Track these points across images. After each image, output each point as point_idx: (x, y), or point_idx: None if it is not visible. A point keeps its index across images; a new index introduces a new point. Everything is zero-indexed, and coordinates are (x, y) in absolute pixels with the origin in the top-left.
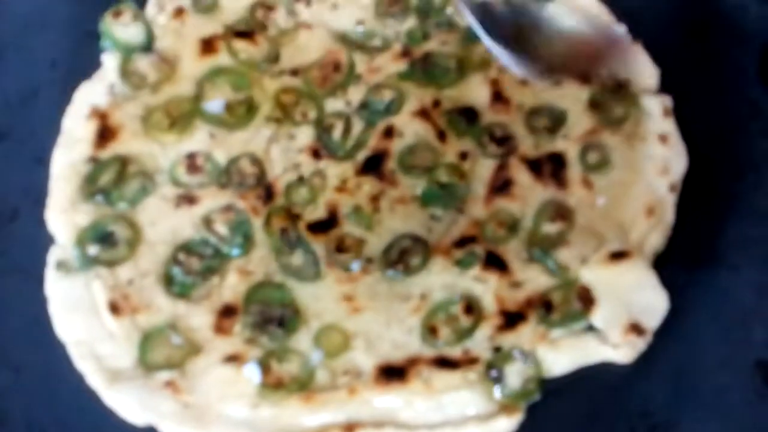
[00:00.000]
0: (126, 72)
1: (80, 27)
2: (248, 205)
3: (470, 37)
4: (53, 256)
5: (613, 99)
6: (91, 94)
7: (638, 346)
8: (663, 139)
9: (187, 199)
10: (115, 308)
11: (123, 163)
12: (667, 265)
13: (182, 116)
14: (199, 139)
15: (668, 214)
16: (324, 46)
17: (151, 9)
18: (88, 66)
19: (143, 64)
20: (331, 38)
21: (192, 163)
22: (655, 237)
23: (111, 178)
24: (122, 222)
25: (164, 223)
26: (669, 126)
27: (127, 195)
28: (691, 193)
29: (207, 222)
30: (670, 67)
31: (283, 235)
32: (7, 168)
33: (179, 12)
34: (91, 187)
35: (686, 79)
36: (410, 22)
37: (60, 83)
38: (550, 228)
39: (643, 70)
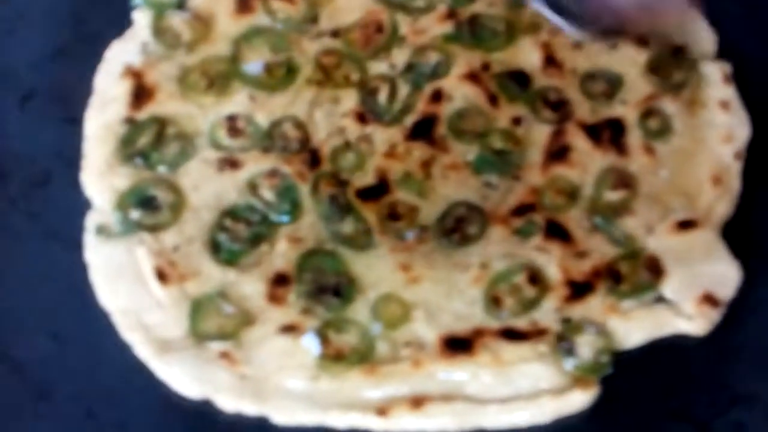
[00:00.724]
0: (159, 30)
1: None
2: (294, 170)
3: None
4: (92, 220)
5: (671, 64)
6: (123, 53)
7: (713, 318)
8: (724, 105)
9: (230, 163)
10: (162, 276)
11: (161, 124)
12: (735, 234)
13: (220, 77)
14: (238, 101)
15: (734, 182)
16: (364, 7)
17: None
18: (118, 24)
19: (177, 22)
20: None
21: (233, 125)
22: (722, 206)
23: (149, 140)
24: (164, 186)
25: (207, 188)
26: (730, 93)
27: (167, 158)
28: (755, 161)
29: (252, 187)
30: (728, 32)
31: (332, 201)
32: (37, 128)
33: None
34: (128, 149)
35: (744, 46)
36: None
37: (89, 41)
38: (613, 196)
39: (701, 35)
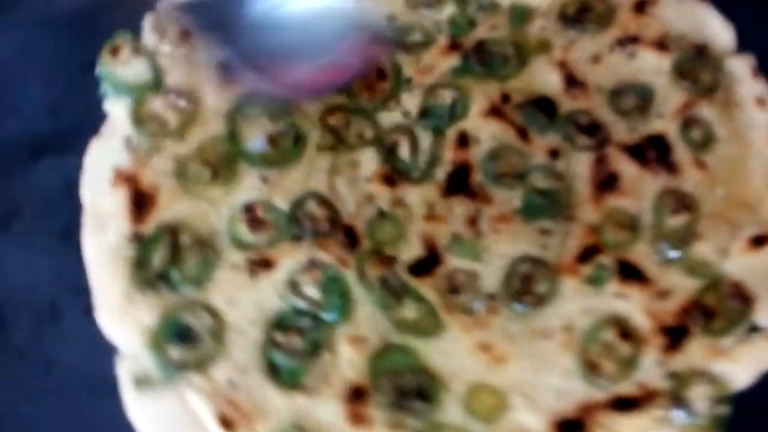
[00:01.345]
0: (141, 119)
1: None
2: (332, 256)
3: (519, 16)
4: (125, 370)
5: (697, 65)
6: (105, 154)
7: None
8: (761, 102)
9: (262, 264)
10: (227, 423)
11: (173, 233)
12: None
13: (223, 163)
14: (249, 186)
15: None
16: None
17: (149, 38)
18: (91, 116)
19: (158, 106)
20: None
21: (252, 217)
22: None
23: (165, 256)
24: (196, 309)
25: (245, 300)
26: (762, 87)
27: (190, 273)
28: None
29: (293, 287)
30: (744, 23)
31: (384, 284)
32: (28, 252)
33: (185, 35)
34: (144, 272)
35: (763, 35)
36: (449, 9)
37: (62, 138)
38: (675, 221)
39: (717, 30)
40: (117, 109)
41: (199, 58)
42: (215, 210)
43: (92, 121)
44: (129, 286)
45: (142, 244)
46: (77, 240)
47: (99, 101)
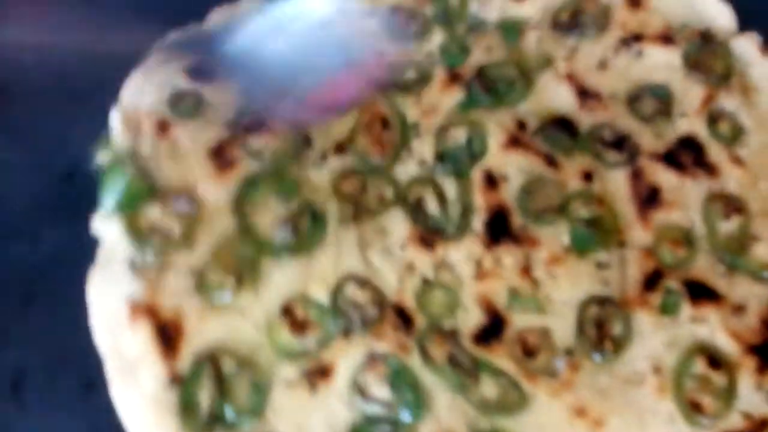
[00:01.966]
0: (140, 235)
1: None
2: (390, 345)
3: (511, 31)
4: None
5: (706, 53)
6: (110, 286)
7: None
8: None
9: (319, 373)
10: None
11: (213, 362)
12: None
13: (244, 263)
14: (280, 285)
15: None
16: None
17: (121, 138)
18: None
19: (156, 214)
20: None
21: (292, 319)
22: None
23: (212, 392)
24: None
25: (314, 421)
26: None
27: (244, 405)
28: None
29: (359, 390)
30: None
31: (454, 364)
32: (45, 417)
33: (163, 127)
34: (194, 419)
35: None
36: (437, 38)
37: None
38: (729, 226)
39: (715, 13)
40: (109, 231)
41: (187, 147)
42: (248, 320)
43: (81, 249)
44: None
45: (183, 385)
46: (102, 390)
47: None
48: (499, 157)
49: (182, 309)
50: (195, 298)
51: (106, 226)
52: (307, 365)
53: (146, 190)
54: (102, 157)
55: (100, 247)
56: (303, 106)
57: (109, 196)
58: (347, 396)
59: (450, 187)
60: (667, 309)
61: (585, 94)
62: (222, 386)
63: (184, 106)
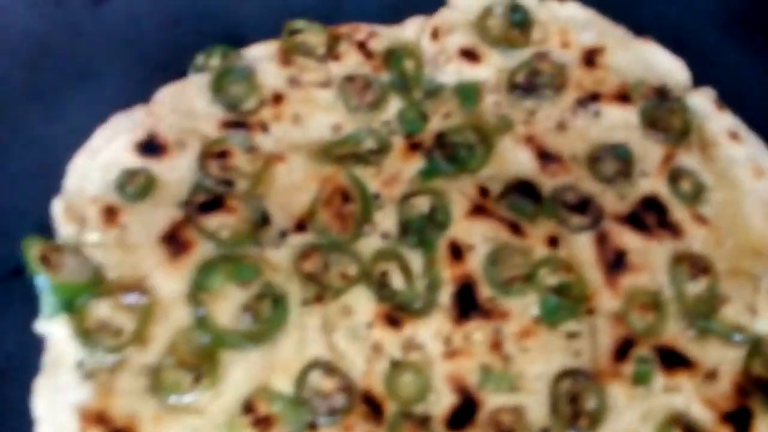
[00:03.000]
0: (89, 333)
1: None
2: None
3: (468, 96)
4: None
5: (663, 111)
6: (59, 395)
7: None
8: (733, 135)
9: None
10: None
11: None
12: None
13: (202, 357)
14: (239, 378)
15: None
16: (313, 176)
17: (66, 229)
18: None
19: (105, 310)
20: (314, 161)
21: (254, 416)
22: None
23: None
24: None
25: None
26: (730, 119)
27: None
28: None
29: None
30: (693, 55)
31: None
32: None
33: (110, 213)
34: None
35: (717, 61)
36: (394, 105)
37: None
38: (696, 287)
39: (669, 68)
40: (55, 330)
41: (137, 234)
42: (210, 421)
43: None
44: None
45: None
46: None
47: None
48: (463, 226)
49: (137, 413)
50: (150, 400)
51: (51, 328)
52: None
53: (90, 286)
54: (33, 255)
55: (46, 351)
56: None
57: (47, 297)
58: None
59: (415, 260)
60: (641, 379)
61: (545, 157)
62: None
63: (133, 187)
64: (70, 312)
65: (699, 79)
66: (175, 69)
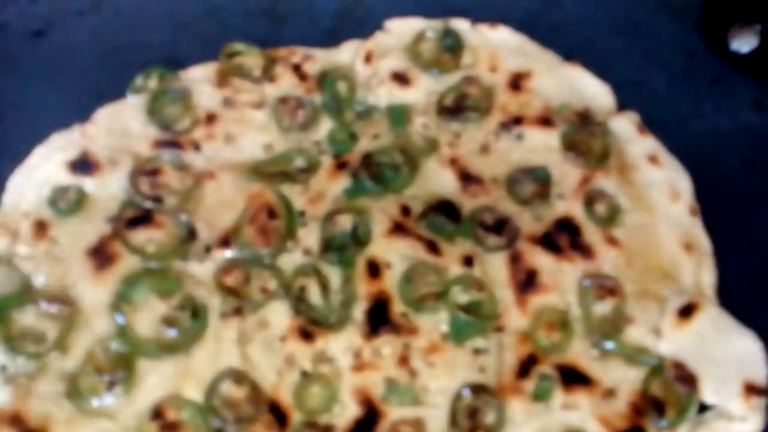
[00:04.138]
0: (13, 340)
1: None
2: None
3: (398, 117)
4: None
5: (584, 134)
6: None
7: (763, 407)
8: (653, 159)
9: None
10: None
11: None
12: (730, 299)
13: (119, 365)
14: (154, 385)
15: (704, 242)
16: (241, 193)
17: None
18: None
19: (29, 319)
20: (243, 179)
21: (162, 422)
22: (706, 273)
23: None
24: None
25: None
26: (651, 143)
27: None
28: (709, 208)
29: None
30: (620, 77)
31: None
32: None
33: (41, 227)
34: None
35: (640, 85)
36: (326, 126)
37: None
38: (603, 308)
39: (594, 92)
40: None
41: (66, 246)
42: (120, 425)
43: None
44: None
45: None
46: None
47: None
48: (382, 245)
49: (51, 416)
50: (65, 403)
51: None
52: None
53: (18, 297)
54: None
55: None
56: None
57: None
58: None
59: (335, 277)
60: (540, 395)
61: (467, 178)
62: None
63: (65, 202)
64: None
65: (626, 104)
66: (116, 94)
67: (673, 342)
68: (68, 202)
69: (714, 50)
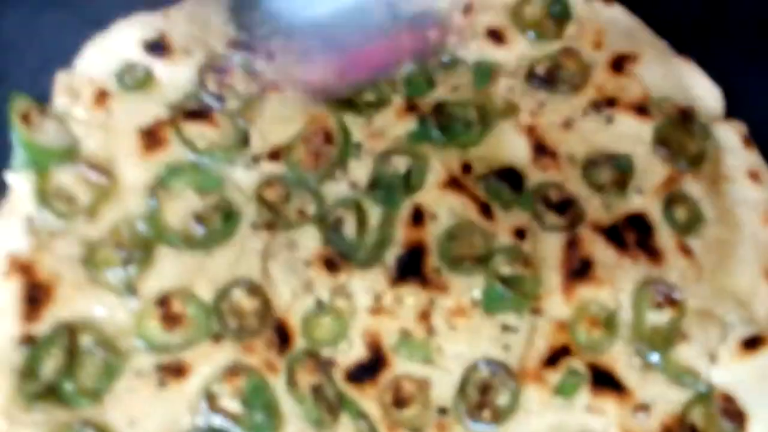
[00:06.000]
0: (46, 195)
1: None
2: (258, 359)
3: (483, 75)
4: None
5: (681, 132)
6: (1, 238)
7: None
8: (753, 175)
9: (174, 371)
10: None
11: (70, 334)
12: None
13: (138, 247)
14: (167, 272)
15: None
16: (303, 113)
17: (60, 100)
18: None
19: (68, 180)
20: (308, 99)
21: (167, 312)
22: None
23: (58, 363)
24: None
25: (149, 417)
26: (755, 158)
27: (86, 384)
28: None
29: (209, 399)
30: (733, 86)
31: (317, 395)
32: None
33: (102, 96)
34: (32, 383)
35: (755, 101)
36: (407, 67)
37: None
38: (658, 318)
39: (703, 93)
40: (21, 184)
41: (120, 120)
42: (124, 304)
43: None
44: (14, 399)
45: (33, 347)
46: None
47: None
48: (433, 195)
49: (60, 276)
50: (77, 268)
51: (17, 180)
52: (165, 360)
53: (62, 155)
54: (16, 109)
55: (5, 199)
56: (336, 68)
57: (19, 152)
58: (194, 401)
59: (375, 215)
60: (564, 390)
61: (541, 149)
62: (71, 360)
63: (131, 78)
64: (36, 171)
65: (735, 113)
66: None
67: (729, 372)
68: (134, 79)
69: None
